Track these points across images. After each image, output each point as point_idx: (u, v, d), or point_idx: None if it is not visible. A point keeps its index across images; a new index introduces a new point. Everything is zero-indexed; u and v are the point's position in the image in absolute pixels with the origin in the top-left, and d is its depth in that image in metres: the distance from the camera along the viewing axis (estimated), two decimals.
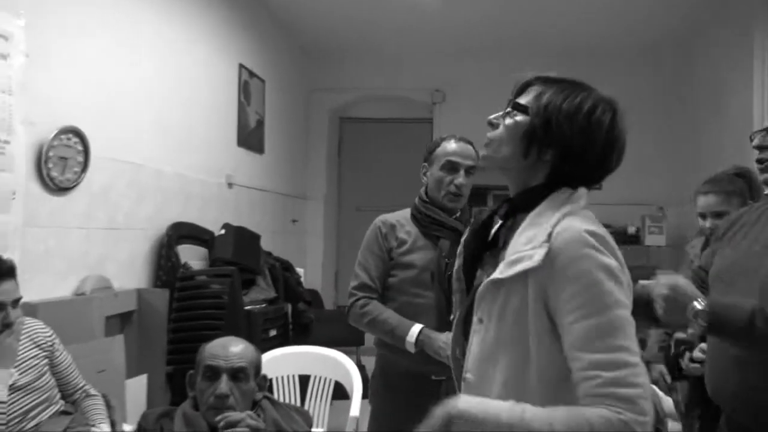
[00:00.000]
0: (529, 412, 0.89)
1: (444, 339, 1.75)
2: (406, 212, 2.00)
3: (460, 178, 1.90)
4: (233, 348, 1.50)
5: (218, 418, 1.31)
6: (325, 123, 5.68)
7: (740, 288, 1.33)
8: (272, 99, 4.64)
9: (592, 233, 0.95)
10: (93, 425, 1.95)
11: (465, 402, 0.94)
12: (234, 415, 1.30)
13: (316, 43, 5.35)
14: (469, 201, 2.02)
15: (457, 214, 1.94)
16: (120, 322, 2.74)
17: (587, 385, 0.89)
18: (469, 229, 1.16)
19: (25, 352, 1.88)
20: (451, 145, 1.95)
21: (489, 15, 4.59)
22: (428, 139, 5.55)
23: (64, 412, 1.94)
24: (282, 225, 4.95)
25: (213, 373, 1.45)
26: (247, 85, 4.21)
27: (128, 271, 2.89)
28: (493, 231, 1.11)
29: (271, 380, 2.50)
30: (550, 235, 0.96)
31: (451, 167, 1.91)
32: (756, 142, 1.45)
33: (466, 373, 1.05)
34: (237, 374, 1.46)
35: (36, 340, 1.94)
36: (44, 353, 1.94)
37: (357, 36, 5.16)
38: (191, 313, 2.97)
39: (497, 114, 1.12)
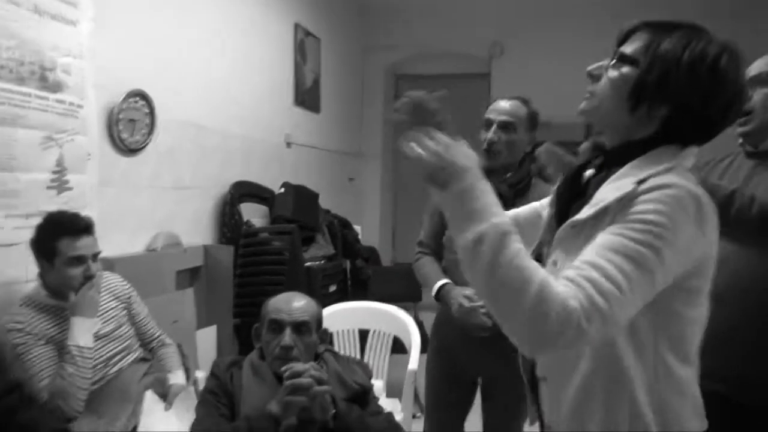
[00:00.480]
0: (514, 237, 0.80)
1: (462, 294, 1.81)
2: None
3: (491, 133, 1.90)
4: (296, 303, 1.56)
5: (284, 368, 1.37)
6: (380, 81, 5.64)
7: None
8: (327, 57, 4.64)
9: (695, 196, 0.87)
10: (169, 371, 2.08)
11: (475, 174, 0.84)
12: (298, 366, 1.36)
13: (371, 0, 5.27)
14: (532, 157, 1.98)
15: (508, 175, 1.91)
16: (189, 276, 2.89)
17: (573, 271, 0.83)
18: (562, 178, 1.10)
19: (106, 303, 2.00)
20: (492, 105, 1.97)
21: None
22: (486, 95, 5.46)
23: (143, 359, 2.06)
24: (339, 183, 5.01)
25: (277, 326, 1.51)
26: (303, 44, 4.22)
27: (195, 228, 3.02)
28: (585, 181, 1.04)
29: (331, 334, 2.59)
30: (641, 181, 0.89)
31: (487, 124, 1.93)
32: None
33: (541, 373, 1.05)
34: (300, 327, 1.52)
35: (115, 292, 2.06)
36: (123, 305, 2.07)
37: None
38: (255, 269, 3.09)
39: (598, 64, 1.01)
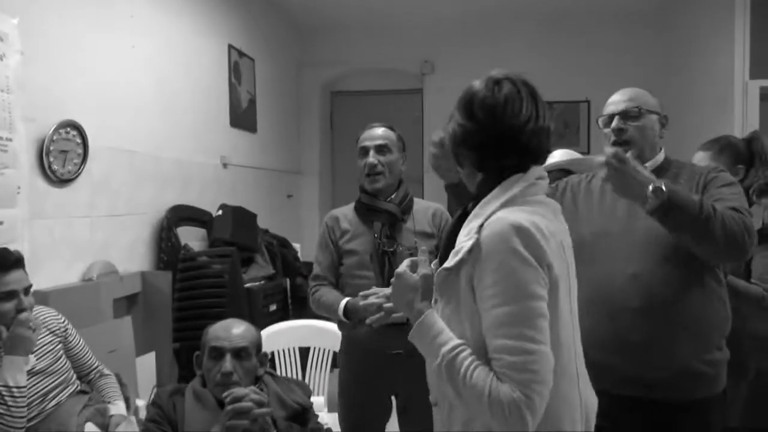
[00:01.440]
0: (463, 355, 1.04)
1: (362, 300, 1.84)
2: (352, 204, 2.15)
3: (370, 158, 2.03)
4: (235, 330, 1.63)
5: (225, 393, 1.44)
6: (316, 97, 5.73)
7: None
8: (262, 77, 4.69)
9: (517, 227, 1.02)
10: (109, 402, 2.08)
11: (432, 318, 1.11)
12: (239, 391, 1.43)
13: (304, 18, 5.37)
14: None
15: (392, 197, 2.06)
16: (126, 304, 2.88)
17: (495, 365, 1.01)
18: (447, 226, 1.28)
19: (41, 338, 1.99)
20: (362, 135, 2.10)
21: None
22: (419, 110, 5.66)
23: (82, 392, 2.07)
24: (278, 201, 5.05)
25: (218, 354, 1.58)
26: (237, 66, 4.26)
27: (131, 255, 3.01)
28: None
29: (273, 353, 2.65)
30: (481, 226, 1.06)
31: (363, 151, 2.06)
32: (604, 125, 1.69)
33: (432, 399, 1.21)
34: (239, 353, 1.59)
35: (50, 326, 2.05)
36: (58, 338, 2.05)
37: (345, 9, 5.18)
38: (194, 293, 3.11)
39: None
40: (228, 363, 1.55)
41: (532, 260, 1.02)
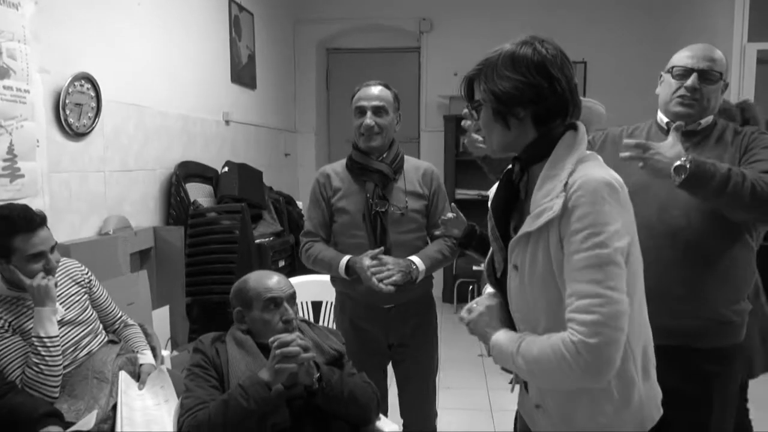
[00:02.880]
0: (524, 342, 1.09)
1: (368, 259, 1.97)
2: (343, 161, 2.16)
3: (367, 119, 2.02)
4: (278, 278, 1.67)
5: (271, 339, 1.49)
6: (312, 55, 5.66)
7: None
8: (261, 32, 4.62)
9: (608, 183, 1.05)
10: (137, 351, 2.14)
11: (498, 339, 1.16)
12: (286, 336, 1.47)
13: None
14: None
15: (383, 156, 2.07)
16: (140, 258, 2.90)
17: (567, 309, 1.03)
18: (495, 188, 1.28)
19: (68, 289, 2.02)
20: (358, 93, 2.09)
21: None
22: (416, 69, 5.64)
23: (111, 341, 2.12)
24: (276, 159, 5.05)
25: (275, 304, 1.62)
26: (237, 20, 4.19)
27: (143, 210, 3.02)
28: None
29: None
30: (565, 185, 1.07)
31: (360, 111, 2.06)
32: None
33: (515, 313, 1.19)
34: (291, 300, 1.65)
35: (75, 277, 2.08)
36: (83, 289, 2.09)
37: None
38: (205, 248, 3.14)
39: (464, 111, 1.33)
40: (290, 310, 1.61)
41: (620, 215, 1.04)
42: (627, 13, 5.14)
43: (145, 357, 2.12)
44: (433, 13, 5.44)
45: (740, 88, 3.95)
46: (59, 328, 1.90)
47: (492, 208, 1.25)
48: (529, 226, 1.10)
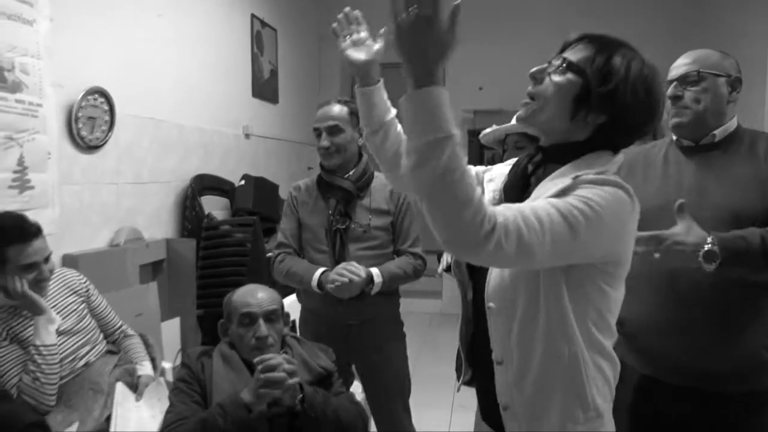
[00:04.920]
0: (461, 155, 0.87)
1: (335, 272, 1.96)
2: (316, 176, 2.19)
3: (323, 141, 2.06)
4: (261, 294, 1.65)
5: (257, 359, 1.45)
6: (336, 70, 5.70)
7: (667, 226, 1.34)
8: (284, 48, 4.67)
9: (631, 199, 0.99)
10: (136, 362, 2.14)
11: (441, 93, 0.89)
12: (272, 360, 1.42)
13: None
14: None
15: (350, 174, 2.08)
16: (152, 270, 2.94)
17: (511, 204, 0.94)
18: (507, 176, 1.19)
19: (65, 299, 2.02)
20: (317, 113, 2.10)
21: None
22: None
23: (110, 352, 2.12)
24: (298, 172, 5.07)
25: (250, 319, 1.60)
26: (260, 36, 4.25)
27: (156, 222, 3.06)
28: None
29: (294, 320, 2.68)
30: (577, 177, 0.99)
31: (317, 133, 2.09)
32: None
33: (489, 302, 1.09)
34: (270, 316, 1.62)
35: (72, 287, 2.07)
36: (81, 298, 2.08)
37: None
38: (217, 261, 3.15)
39: (540, 67, 1.06)
40: (262, 327, 1.58)
41: (611, 216, 0.96)
42: (649, 27, 5.01)
43: (144, 368, 2.12)
44: (458, 27, 5.41)
45: None
46: (56, 338, 1.91)
47: (504, 191, 1.17)
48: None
